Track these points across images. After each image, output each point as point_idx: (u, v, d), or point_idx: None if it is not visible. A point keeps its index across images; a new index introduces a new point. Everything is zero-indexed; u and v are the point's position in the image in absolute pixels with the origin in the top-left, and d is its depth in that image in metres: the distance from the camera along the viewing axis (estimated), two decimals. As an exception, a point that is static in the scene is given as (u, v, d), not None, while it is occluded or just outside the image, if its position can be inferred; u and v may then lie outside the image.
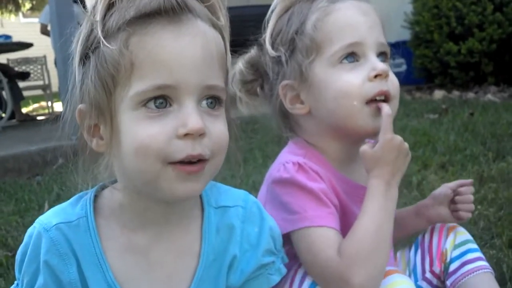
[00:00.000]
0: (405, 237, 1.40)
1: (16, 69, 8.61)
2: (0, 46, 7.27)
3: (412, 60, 6.72)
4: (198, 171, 0.83)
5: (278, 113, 1.22)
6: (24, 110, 8.90)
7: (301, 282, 1.07)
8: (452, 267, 1.26)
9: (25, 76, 8.41)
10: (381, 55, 1.14)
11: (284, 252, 1.04)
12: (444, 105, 4.90)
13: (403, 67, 6.82)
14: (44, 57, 9.11)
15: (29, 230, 0.91)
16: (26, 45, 7.48)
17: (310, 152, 1.15)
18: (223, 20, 0.90)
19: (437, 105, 5.03)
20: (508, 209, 2.08)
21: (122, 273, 0.90)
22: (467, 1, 6.00)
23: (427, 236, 1.33)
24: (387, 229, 1.05)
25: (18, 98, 7.51)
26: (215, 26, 0.88)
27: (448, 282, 1.26)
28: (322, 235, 1.04)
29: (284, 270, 1.02)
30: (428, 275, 1.29)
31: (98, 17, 0.83)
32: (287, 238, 1.08)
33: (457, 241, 1.28)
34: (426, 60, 6.42)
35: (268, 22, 1.20)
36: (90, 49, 0.85)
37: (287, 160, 1.11)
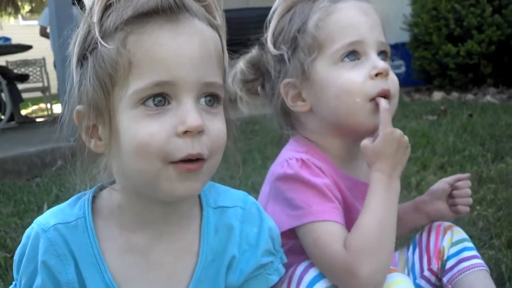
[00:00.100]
0: (405, 234, 1.41)
1: (15, 71, 8.62)
2: (-1, 48, 7.28)
3: (411, 62, 6.74)
4: (197, 169, 0.83)
5: (280, 111, 1.23)
6: (23, 112, 8.89)
7: (299, 282, 1.07)
8: (449, 264, 1.27)
9: (24, 78, 8.42)
10: (382, 54, 1.15)
11: (283, 251, 1.04)
12: (443, 106, 4.91)
13: (402, 69, 6.83)
14: (43, 59, 9.12)
15: (27, 230, 0.91)
16: (25, 47, 7.49)
17: (312, 149, 1.17)
18: (220, 20, 0.90)
19: (436, 106, 5.04)
20: (507, 210, 2.09)
21: (121, 274, 0.90)
22: (466, 3, 6.02)
23: (424, 235, 1.34)
24: (392, 221, 1.06)
25: (17, 100, 7.51)
26: (212, 25, 0.88)
27: (444, 279, 1.27)
28: (327, 230, 1.05)
29: (282, 270, 1.02)
30: (426, 273, 1.30)
31: (95, 18, 0.83)
32: (291, 233, 1.09)
33: (454, 239, 1.29)
34: (425, 62, 6.43)
35: (269, 22, 1.22)
36: (87, 50, 0.85)
37: (290, 157, 1.12)
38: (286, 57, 1.17)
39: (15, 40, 8.29)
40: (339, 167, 1.17)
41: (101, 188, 0.95)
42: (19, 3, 15.10)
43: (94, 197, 0.93)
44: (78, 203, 0.92)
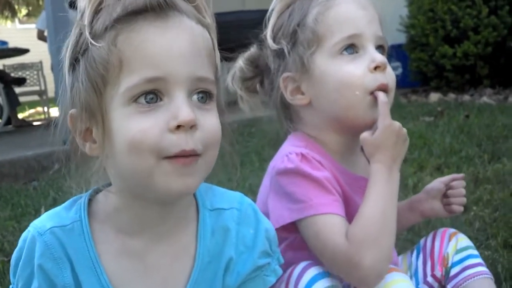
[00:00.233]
0: (399, 232, 1.42)
1: (12, 74, 8.62)
2: (-4, 52, 7.28)
3: (408, 63, 6.75)
4: (191, 163, 0.82)
5: (279, 106, 1.25)
6: (20, 115, 8.89)
7: (297, 283, 1.07)
8: (453, 271, 1.27)
9: (21, 81, 8.41)
10: (379, 48, 1.18)
11: (279, 252, 1.04)
12: (440, 107, 4.92)
13: (399, 70, 6.85)
14: (40, 62, 9.12)
15: (24, 234, 0.91)
16: (22, 51, 7.49)
17: (311, 144, 1.18)
18: (209, 20, 0.91)
19: (432, 107, 5.05)
20: (503, 210, 2.09)
21: (117, 277, 0.90)
22: (462, 4, 6.03)
23: (429, 241, 1.35)
24: (392, 212, 1.07)
25: (14, 103, 7.50)
26: (201, 23, 0.88)
27: (448, 286, 1.27)
28: (328, 222, 1.06)
29: (279, 271, 1.02)
30: (429, 279, 1.30)
31: (86, 21, 0.83)
32: (293, 227, 1.11)
33: (458, 247, 1.30)
34: (422, 63, 6.44)
35: (268, 19, 1.24)
36: (79, 53, 0.86)
37: (290, 151, 1.13)
38: (286, 50, 1.18)
39: (12, 44, 8.27)
40: (338, 162, 1.18)
41: (97, 191, 0.95)
42: (16, 7, 15.11)
43: (90, 200, 0.93)
44: (74, 206, 0.92)
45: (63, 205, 0.94)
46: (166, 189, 0.83)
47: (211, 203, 0.98)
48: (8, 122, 7.24)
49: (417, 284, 1.31)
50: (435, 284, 1.30)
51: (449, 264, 1.28)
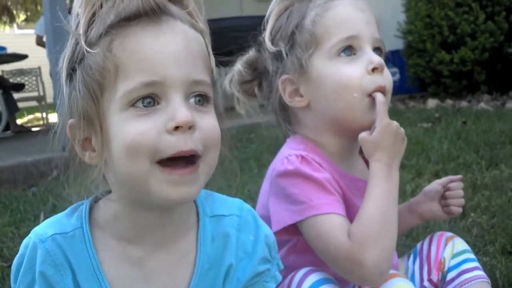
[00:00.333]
0: (399, 236, 1.42)
1: (11, 80, 8.61)
2: (-5, 57, 7.28)
3: (405, 69, 6.77)
4: (191, 173, 0.83)
5: (277, 108, 1.25)
6: (19, 121, 8.88)
7: (298, 289, 1.08)
8: (450, 276, 1.28)
9: (19, 87, 8.40)
10: (376, 50, 1.19)
11: (279, 258, 1.04)
12: (437, 113, 4.93)
13: (397, 76, 6.87)
14: (39, 68, 9.12)
15: (25, 241, 0.91)
16: (21, 57, 7.50)
17: (310, 147, 1.18)
18: (203, 26, 0.91)
19: (430, 113, 5.06)
20: (501, 217, 2.09)
21: (118, 284, 0.91)
22: (459, 10, 6.06)
23: (425, 245, 1.35)
24: (393, 210, 1.08)
25: (13, 109, 7.50)
26: (195, 28, 0.89)
27: None
28: (330, 222, 1.07)
29: (279, 277, 1.02)
30: (426, 283, 1.31)
31: (81, 30, 0.84)
32: (295, 229, 1.11)
33: (455, 251, 1.30)
34: (419, 69, 6.46)
35: (267, 22, 1.25)
36: (76, 62, 0.87)
37: (290, 153, 1.14)
38: (284, 53, 1.19)
39: (10, 49, 8.28)
40: (337, 165, 1.19)
41: (98, 198, 0.95)
42: (14, 12, 15.11)
43: (91, 207, 0.94)
44: (75, 213, 0.93)
45: (64, 212, 0.95)
46: (163, 198, 0.83)
47: (211, 210, 0.98)
48: (6, 128, 7.24)
49: (413, 288, 1.32)
50: None
51: (446, 269, 1.29)
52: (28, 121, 10.73)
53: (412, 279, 1.33)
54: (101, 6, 0.85)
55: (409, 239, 1.90)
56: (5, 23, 15.48)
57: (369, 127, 1.13)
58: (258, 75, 1.30)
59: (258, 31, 1.27)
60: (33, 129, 8.13)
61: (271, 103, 1.26)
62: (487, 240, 1.88)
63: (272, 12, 1.25)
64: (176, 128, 0.80)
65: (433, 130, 4.15)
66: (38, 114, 10.35)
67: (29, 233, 0.92)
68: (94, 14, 0.85)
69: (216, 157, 0.88)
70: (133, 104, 0.82)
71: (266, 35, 1.23)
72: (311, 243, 1.10)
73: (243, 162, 3.45)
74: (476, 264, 1.28)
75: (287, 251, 1.18)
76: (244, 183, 2.86)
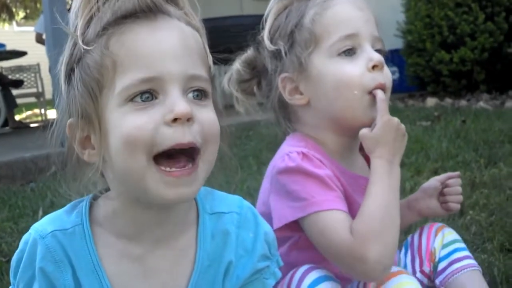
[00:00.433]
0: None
1: (10, 77, 8.60)
2: (-6, 54, 7.28)
3: (405, 68, 6.77)
4: (190, 174, 0.83)
5: (277, 106, 1.25)
6: (18, 117, 8.88)
7: (298, 286, 1.08)
8: (441, 266, 1.28)
9: (18, 84, 8.41)
10: (376, 50, 1.18)
11: (279, 255, 1.04)
12: (437, 112, 4.93)
13: (396, 75, 6.87)
14: (38, 65, 9.11)
15: (25, 236, 0.91)
16: (20, 54, 7.50)
17: (310, 144, 1.18)
18: (198, 24, 0.92)
19: (429, 112, 5.06)
20: (499, 215, 2.10)
21: (118, 280, 0.91)
22: (459, 10, 6.06)
23: (416, 237, 1.36)
24: (395, 206, 1.08)
25: (12, 105, 7.50)
26: (191, 25, 0.90)
27: (437, 281, 1.28)
28: (332, 218, 1.07)
29: (279, 274, 1.02)
30: (418, 275, 1.31)
31: (79, 32, 0.85)
32: (297, 226, 1.11)
33: (445, 241, 1.31)
34: (419, 68, 6.47)
35: (265, 21, 1.25)
36: (74, 62, 0.87)
37: (291, 150, 1.14)
38: (283, 51, 1.19)
39: (9, 46, 8.28)
40: (337, 162, 1.19)
41: (96, 197, 0.95)
42: (14, 10, 15.08)
43: (90, 205, 0.94)
44: (75, 210, 0.93)
45: (64, 208, 0.95)
46: (159, 197, 0.83)
47: (211, 207, 0.98)
48: (5, 123, 7.24)
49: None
50: (425, 280, 1.31)
51: (437, 259, 1.29)
52: (27, 117, 10.72)
53: (405, 272, 1.33)
54: (99, 10, 0.85)
55: (408, 236, 1.90)
56: (4, 20, 15.46)
57: (370, 124, 1.13)
58: (256, 74, 1.30)
59: (257, 30, 1.27)
60: (32, 125, 8.12)
61: (270, 101, 1.26)
62: (485, 237, 1.89)
63: (270, 11, 1.25)
64: (175, 120, 0.80)
65: (432, 129, 4.16)
66: (36, 110, 10.34)
67: (28, 228, 0.92)
68: (91, 18, 0.86)
69: (215, 152, 0.88)
70: (131, 99, 0.82)
71: (265, 34, 1.23)
72: (313, 239, 1.10)
73: (242, 159, 3.45)
74: (466, 253, 1.29)
75: (288, 248, 1.18)
76: (243, 180, 2.86)
